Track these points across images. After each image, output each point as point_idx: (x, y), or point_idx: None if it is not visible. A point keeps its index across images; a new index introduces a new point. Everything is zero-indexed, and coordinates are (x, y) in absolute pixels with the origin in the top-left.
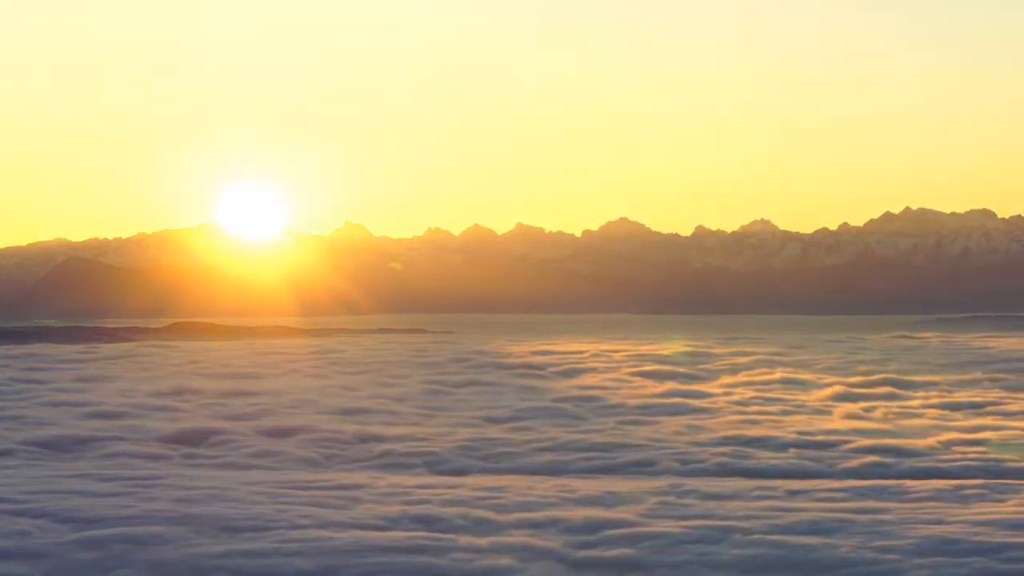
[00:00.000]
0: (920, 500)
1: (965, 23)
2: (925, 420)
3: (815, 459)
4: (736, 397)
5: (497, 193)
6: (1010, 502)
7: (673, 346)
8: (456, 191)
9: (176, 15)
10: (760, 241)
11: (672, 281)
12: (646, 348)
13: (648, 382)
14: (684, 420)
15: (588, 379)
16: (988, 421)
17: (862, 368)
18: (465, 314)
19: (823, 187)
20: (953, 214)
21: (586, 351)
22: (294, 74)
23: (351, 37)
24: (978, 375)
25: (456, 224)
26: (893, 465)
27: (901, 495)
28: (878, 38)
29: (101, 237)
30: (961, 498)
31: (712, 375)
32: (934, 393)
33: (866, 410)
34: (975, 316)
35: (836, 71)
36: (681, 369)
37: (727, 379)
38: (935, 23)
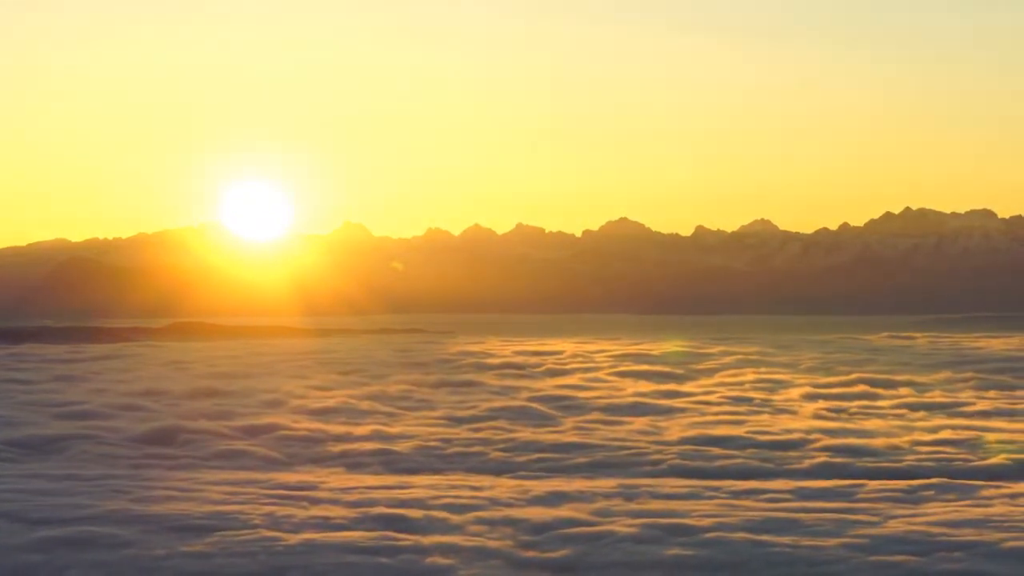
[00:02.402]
0: (869, 500)
1: (966, 23)
2: (889, 420)
3: (771, 459)
4: (707, 397)
5: (497, 193)
6: (957, 502)
7: (665, 346)
8: (456, 191)
9: (177, 16)
10: (760, 241)
11: (672, 281)
12: (634, 348)
13: (626, 382)
14: (649, 420)
15: (566, 379)
16: (951, 421)
17: (841, 368)
18: (465, 314)
19: (823, 187)
20: (953, 214)
21: (573, 351)
22: (294, 74)
23: (351, 38)
24: (955, 375)
25: (456, 224)
26: (847, 465)
27: (850, 495)
28: (879, 37)
29: (101, 237)
30: (911, 499)
31: (692, 375)
32: (905, 393)
33: (833, 410)
34: (975, 316)
35: (836, 70)
36: (659, 368)
37: (705, 379)
38: (936, 23)
